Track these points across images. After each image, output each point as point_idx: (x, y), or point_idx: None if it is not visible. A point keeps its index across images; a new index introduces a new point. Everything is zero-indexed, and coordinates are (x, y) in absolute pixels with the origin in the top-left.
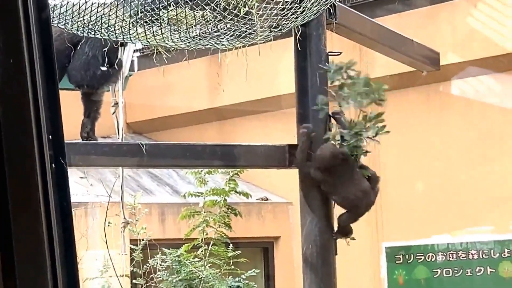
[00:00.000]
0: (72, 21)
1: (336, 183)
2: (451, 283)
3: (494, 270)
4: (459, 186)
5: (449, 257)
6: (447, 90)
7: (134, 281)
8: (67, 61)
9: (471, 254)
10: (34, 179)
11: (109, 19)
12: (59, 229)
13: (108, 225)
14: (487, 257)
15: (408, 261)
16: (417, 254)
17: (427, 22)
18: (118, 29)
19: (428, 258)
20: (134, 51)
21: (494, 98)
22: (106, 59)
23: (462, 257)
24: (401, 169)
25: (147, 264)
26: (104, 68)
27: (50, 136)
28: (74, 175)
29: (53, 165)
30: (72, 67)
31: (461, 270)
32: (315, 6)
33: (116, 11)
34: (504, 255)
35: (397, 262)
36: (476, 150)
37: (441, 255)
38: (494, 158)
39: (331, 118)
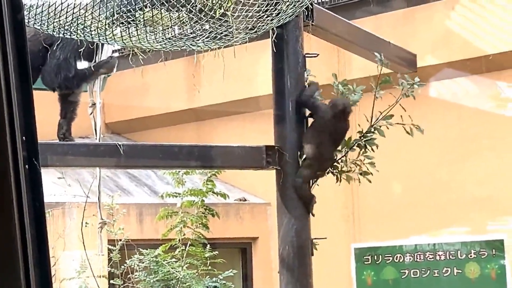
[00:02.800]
0: (48, 22)
1: (324, 136)
2: (419, 284)
3: (460, 271)
4: (435, 187)
5: (417, 258)
6: (424, 92)
7: (111, 281)
8: (42, 62)
9: (438, 255)
10: (7, 180)
11: (85, 20)
12: (32, 229)
13: (86, 226)
14: (454, 258)
15: (377, 262)
16: (385, 255)
17: (404, 24)
18: (94, 30)
19: (396, 259)
20: (113, 51)
21: (471, 100)
22: (81, 61)
23: (430, 258)
24: (376, 170)
25: (125, 265)
26: (78, 70)
27: (24, 137)
28: (51, 175)
29: (27, 166)
30: (44, 69)
31: (428, 271)
32: (291, 9)
33: (92, 12)
34: (471, 256)
35: (365, 263)
36: (452, 151)
37: (409, 256)
38: (470, 159)
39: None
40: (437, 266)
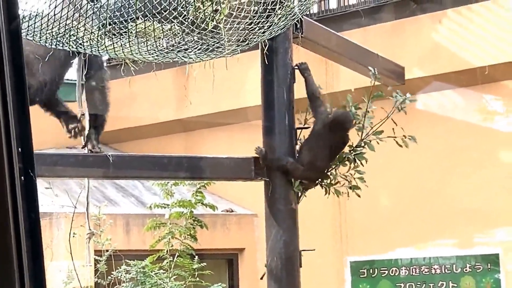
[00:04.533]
0: (40, 33)
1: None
2: None
3: (456, 285)
4: (423, 199)
5: (412, 271)
6: (411, 104)
7: None
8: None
9: (434, 268)
10: (3, 191)
11: (77, 32)
12: (28, 240)
13: (73, 236)
14: (450, 272)
15: (372, 275)
16: (381, 269)
17: (392, 36)
18: (87, 41)
19: (392, 273)
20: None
21: (458, 113)
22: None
23: (425, 272)
24: (366, 185)
25: (112, 275)
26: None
27: (20, 149)
28: (39, 185)
29: (22, 177)
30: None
31: (424, 285)
32: (282, 21)
33: (85, 24)
34: (466, 270)
35: (361, 276)
36: (440, 164)
37: (405, 269)
38: (458, 172)
39: (300, 71)
40: (433, 279)
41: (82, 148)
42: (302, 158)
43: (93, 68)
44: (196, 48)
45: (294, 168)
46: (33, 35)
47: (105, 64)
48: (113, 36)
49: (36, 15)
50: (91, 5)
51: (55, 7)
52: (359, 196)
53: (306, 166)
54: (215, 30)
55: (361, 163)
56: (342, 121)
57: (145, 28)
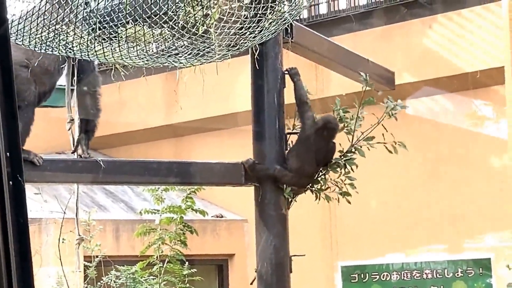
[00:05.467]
0: (29, 37)
1: (306, 149)
2: None
3: None
4: (414, 204)
5: (404, 276)
6: (402, 109)
7: None
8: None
9: (425, 273)
10: None
11: (67, 36)
12: (16, 245)
13: (63, 242)
14: (441, 276)
15: (363, 280)
16: (372, 273)
17: (382, 41)
18: (76, 46)
19: (383, 277)
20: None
21: (449, 118)
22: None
23: (417, 277)
24: (356, 192)
25: (101, 281)
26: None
27: (8, 154)
28: (28, 190)
29: (11, 182)
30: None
31: None
32: (273, 26)
33: (74, 28)
34: (458, 274)
35: (352, 281)
36: (430, 168)
37: (396, 274)
38: (447, 176)
39: (290, 76)
40: (424, 284)
41: (72, 153)
42: (290, 164)
43: (85, 73)
44: (186, 52)
45: (282, 175)
46: (22, 39)
47: (96, 69)
48: (103, 41)
49: (25, 18)
50: (80, 9)
51: (45, 11)
52: (349, 202)
53: (294, 172)
54: (205, 35)
55: (352, 169)
56: (329, 126)
57: (135, 32)
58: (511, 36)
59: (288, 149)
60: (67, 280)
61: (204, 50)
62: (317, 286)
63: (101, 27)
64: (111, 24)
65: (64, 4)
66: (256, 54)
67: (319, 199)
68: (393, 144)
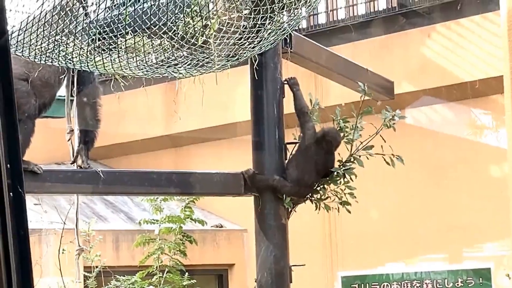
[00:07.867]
0: (29, 48)
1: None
2: None
3: None
4: (414, 213)
5: (404, 286)
6: (401, 119)
7: None
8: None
9: (426, 283)
10: None
11: (66, 47)
12: (16, 257)
13: (63, 252)
14: (441, 286)
15: None
16: (373, 284)
17: (381, 51)
18: (76, 57)
19: None
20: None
21: (447, 127)
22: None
23: (417, 287)
24: (356, 201)
25: None
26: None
27: (9, 165)
28: (28, 201)
29: (11, 193)
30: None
31: None
32: (272, 36)
33: (74, 39)
34: (458, 284)
35: None
36: (430, 178)
37: (396, 284)
38: (447, 186)
39: (289, 86)
40: None
41: (72, 163)
42: (289, 174)
43: (85, 84)
44: (186, 63)
45: (282, 185)
46: (22, 51)
47: (97, 79)
48: (102, 52)
49: (25, 30)
50: (80, 20)
51: (44, 22)
52: (349, 212)
53: (294, 182)
54: (204, 45)
55: (351, 179)
56: (330, 137)
57: (134, 43)
58: (509, 45)
59: (288, 159)
60: None
61: (203, 60)
62: None
63: (101, 38)
64: (110, 35)
65: (64, 15)
66: (256, 64)
67: (319, 209)
68: (391, 156)
